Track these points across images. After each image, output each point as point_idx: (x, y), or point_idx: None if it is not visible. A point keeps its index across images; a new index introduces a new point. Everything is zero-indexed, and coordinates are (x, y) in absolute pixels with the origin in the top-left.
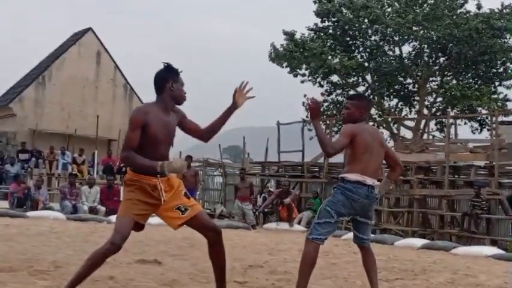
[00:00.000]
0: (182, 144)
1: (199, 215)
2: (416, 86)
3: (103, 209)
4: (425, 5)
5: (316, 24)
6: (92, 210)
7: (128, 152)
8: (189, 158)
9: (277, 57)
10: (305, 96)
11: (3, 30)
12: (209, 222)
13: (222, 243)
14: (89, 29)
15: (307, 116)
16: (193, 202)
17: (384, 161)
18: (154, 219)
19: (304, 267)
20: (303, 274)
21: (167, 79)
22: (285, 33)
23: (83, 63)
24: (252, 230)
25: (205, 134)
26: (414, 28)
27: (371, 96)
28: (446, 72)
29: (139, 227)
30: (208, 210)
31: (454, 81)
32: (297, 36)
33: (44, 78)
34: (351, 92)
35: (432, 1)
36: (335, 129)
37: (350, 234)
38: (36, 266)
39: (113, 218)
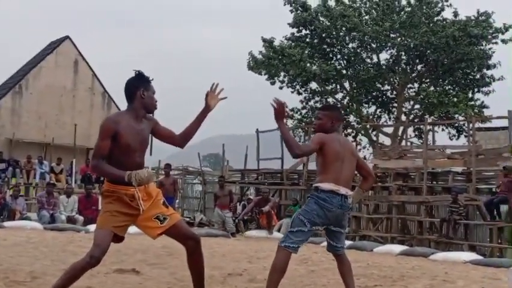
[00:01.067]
0: (161, 152)
1: (178, 224)
2: (394, 92)
3: (81, 218)
4: (402, 13)
5: (293, 33)
6: (70, 220)
7: (98, 161)
8: (168, 166)
9: (255, 64)
10: (282, 103)
11: None
12: (188, 230)
13: (200, 252)
14: (67, 37)
15: (286, 123)
16: (172, 211)
17: (356, 172)
18: (131, 228)
19: (274, 275)
20: (272, 281)
21: (138, 87)
22: (264, 40)
23: (61, 71)
24: (232, 238)
25: (180, 140)
26: (391, 35)
27: (350, 103)
28: (423, 79)
29: (118, 238)
30: (187, 219)
31: (432, 88)
32: (276, 43)
33: (20, 87)
34: (330, 99)
35: (410, 9)
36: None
37: None
38: (12, 277)
39: (91, 227)
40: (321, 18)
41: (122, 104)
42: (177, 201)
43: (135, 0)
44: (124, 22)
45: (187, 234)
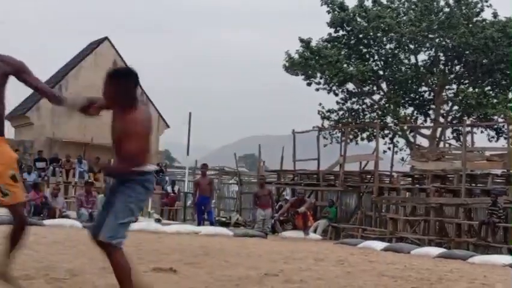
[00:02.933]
0: (197, 152)
1: (15, 207)
2: (432, 94)
3: None
4: (440, 14)
5: (330, 34)
6: None
7: None
8: (205, 166)
9: (292, 65)
10: (320, 104)
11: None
12: (20, 214)
13: (22, 233)
14: (106, 38)
15: (322, 124)
16: (17, 189)
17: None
18: (170, 228)
19: (128, 277)
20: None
21: None
22: (301, 40)
23: (99, 72)
24: (268, 238)
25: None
26: (430, 36)
27: (387, 105)
28: (462, 80)
29: None
30: (223, 219)
31: (470, 89)
32: (313, 44)
33: (60, 87)
34: (366, 100)
35: (448, 9)
36: (351, 136)
37: (366, 243)
38: (52, 274)
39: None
40: (359, 19)
41: (159, 104)
42: (213, 201)
43: (170, 4)
44: (160, 26)
45: (17, 217)
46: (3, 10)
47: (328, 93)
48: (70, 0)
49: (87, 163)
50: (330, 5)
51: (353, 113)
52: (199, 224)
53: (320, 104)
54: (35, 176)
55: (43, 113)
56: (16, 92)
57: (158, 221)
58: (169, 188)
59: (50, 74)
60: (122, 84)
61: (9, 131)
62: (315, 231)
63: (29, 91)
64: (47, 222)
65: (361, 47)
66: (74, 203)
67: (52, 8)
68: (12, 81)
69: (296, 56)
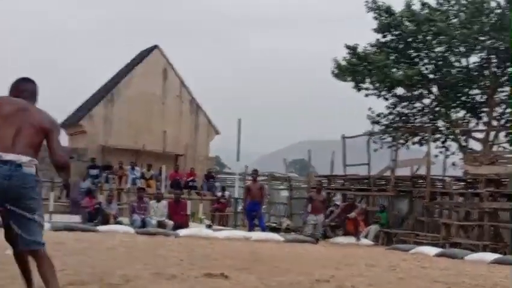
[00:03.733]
0: (247, 157)
1: None
2: (484, 97)
3: (170, 223)
4: (491, 15)
5: (377, 39)
6: (160, 225)
7: None
8: (255, 172)
9: (340, 72)
10: (370, 109)
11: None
12: None
13: None
14: (156, 46)
15: (372, 129)
16: None
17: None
18: (221, 233)
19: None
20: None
21: None
22: (348, 47)
23: (150, 80)
24: (318, 244)
25: None
26: (481, 38)
27: (438, 108)
28: None
29: None
30: (274, 224)
31: None
32: (359, 49)
33: (112, 95)
34: (417, 104)
35: (500, 11)
36: (401, 141)
37: (419, 249)
38: (106, 280)
39: (181, 232)
40: (406, 23)
41: (211, 112)
42: (264, 206)
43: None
44: (209, 33)
45: None
46: (53, 20)
47: (377, 97)
48: (119, 8)
49: (139, 170)
50: (377, 11)
51: (403, 117)
52: (250, 230)
53: (370, 109)
54: (89, 182)
55: (96, 120)
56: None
57: (209, 226)
58: (219, 194)
59: (101, 83)
60: None
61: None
62: (366, 237)
63: (82, 99)
64: (101, 228)
65: (410, 51)
66: (127, 209)
67: (102, 16)
68: (68, 89)
69: (344, 63)
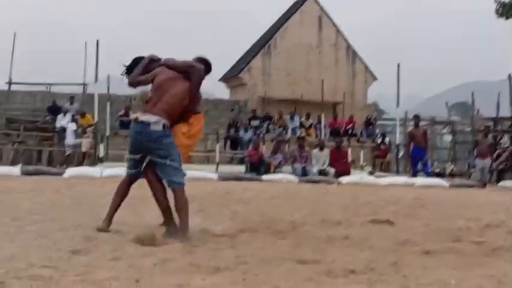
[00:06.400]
0: (408, 102)
1: None
2: None
3: (332, 170)
4: None
5: None
6: (322, 172)
7: None
8: (417, 117)
9: (504, 10)
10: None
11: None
12: None
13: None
14: None
15: None
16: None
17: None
18: (383, 180)
19: (114, 197)
20: (112, 204)
21: None
22: None
23: (306, 29)
24: (485, 188)
25: None
26: None
27: None
28: None
29: None
30: (437, 169)
31: None
32: None
33: (269, 47)
34: None
35: None
36: None
37: None
38: (274, 227)
39: (343, 179)
40: None
41: (367, 58)
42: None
43: None
44: None
45: None
46: None
47: None
48: None
49: (298, 119)
50: None
51: None
52: (413, 175)
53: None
54: (251, 133)
55: (254, 73)
56: (228, 55)
57: (371, 173)
58: (379, 140)
59: (258, 35)
60: None
61: (225, 91)
62: None
63: (241, 52)
64: (265, 177)
65: None
66: (288, 158)
67: None
68: (228, 43)
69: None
